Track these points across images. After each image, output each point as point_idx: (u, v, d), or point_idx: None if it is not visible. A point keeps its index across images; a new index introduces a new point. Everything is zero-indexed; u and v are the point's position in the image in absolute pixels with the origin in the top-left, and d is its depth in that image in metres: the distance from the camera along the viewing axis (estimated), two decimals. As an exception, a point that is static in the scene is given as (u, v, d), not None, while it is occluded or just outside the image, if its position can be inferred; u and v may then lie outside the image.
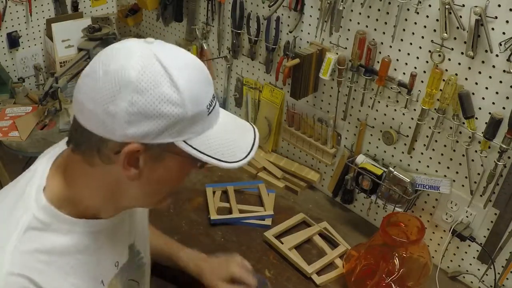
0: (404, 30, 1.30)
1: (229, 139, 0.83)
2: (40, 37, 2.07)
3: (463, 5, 1.15)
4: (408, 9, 1.27)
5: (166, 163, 0.80)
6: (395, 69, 1.36)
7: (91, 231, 0.86)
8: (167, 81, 0.74)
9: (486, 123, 1.20)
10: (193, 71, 0.78)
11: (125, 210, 0.93)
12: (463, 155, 1.29)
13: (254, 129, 0.90)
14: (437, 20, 1.21)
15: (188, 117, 0.76)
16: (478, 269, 1.37)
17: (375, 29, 1.36)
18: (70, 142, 0.83)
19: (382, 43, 1.36)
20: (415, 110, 1.35)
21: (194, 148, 0.78)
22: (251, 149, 0.85)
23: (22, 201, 0.81)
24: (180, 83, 0.74)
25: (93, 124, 0.76)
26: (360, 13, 1.38)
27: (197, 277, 1.26)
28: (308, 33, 1.54)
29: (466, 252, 1.38)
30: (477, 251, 1.35)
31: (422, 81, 1.30)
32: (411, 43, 1.30)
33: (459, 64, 1.22)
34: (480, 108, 1.21)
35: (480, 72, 1.18)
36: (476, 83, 1.20)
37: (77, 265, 0.84)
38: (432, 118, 1.31)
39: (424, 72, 1.29)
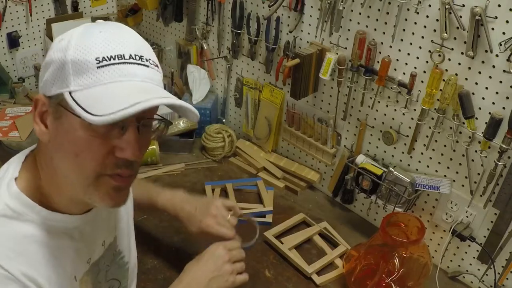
0: (404, 30, 1.30)
1: (114, 95, 0.73)
2: (40, 37, 2.07)
3: (463, 5, 1.15)
4: (408, 9, 1.27)
5: (63, 121, 0.77)
6: (395, 69, 1.36)
7: (64, 226, 0.85)
8: (70, 34, 0.78)
9: (486, 123, 1.20)
10: (105, 29, 0.78)
11: (98, 208, 0.90)
12: (463, 155, 1.29)
13: (181, 100, 0.80)
14: (437, 20, 1.21)
15: (68, 61, 0.75)
16: (478, 269, 1.37)
17: (375, 29, 1.36)
18: None
19: (382, 43, 1.36)
20: (415, 110, 1.35)
21: (75, 101, 0.73)
22: (136, 107, 0.71)
23: None
24: (75, 35, 0.77)
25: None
26: (360, 13, 1.38)
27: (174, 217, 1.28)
28: (308, 33, 1.54)
29: (466, 252, 1.38)
30: (477, 251, 1.35)
31: (422, 81, 1.30)
32: (411, 43, 1.30)
33: (459, 64, 1.21)
34: (480, 108, 1.21)
35: (480, 72, 1.18)
36: (476, 83, 1.20)
37: (50, 258, 0.82)
38: (432, 118, 1.31)
39: (424, 72, 1.29)
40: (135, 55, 0.78)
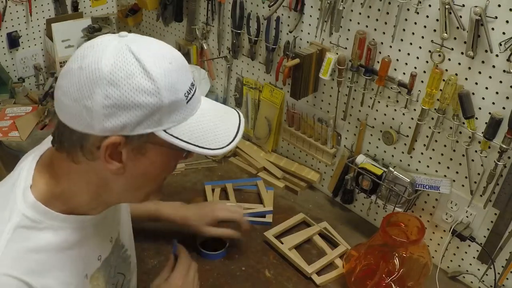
0: (404, 30, 1.30)
1: (212, 126, 0.83)
2: (40, 37, 2.07)
3: (463, 5, 1.15)
4: (408, 9, 1.27)
5: (149, 154, 0.80)
6: (395, 69, 1.36)
7: (81, 227, 0.87)
8: (140, 71, 0.74)
9: (486, 123, 1.20)
10: (168, 60, 0.78)
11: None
12: (463, 155, 1.29)
13: (239, 114, 0.90)
14: (437, 20, 1.21)
15: (165, 105, 0.76)
16: (478, 269, 1.37)
17: (375, 29, 1.36)
18: (54, 141, 0.83)
19: (382, 43, 1.36)
20: (415, 110, 1.35)
21: (176, 137, 0.78)
22: (236, 134, 0.85)
23: (10, 201, 0.81)
24: (153, 72, 0.75)
25: (73, 121, 0.77)
26: (360, 13, 1.38)
27: (182, 226, 1.35)
28: (308, 33, 1.54)
29: (466, 252, 1.38)
30: (477, 251, 1.35)
31: (422, 81, 1.30)
32: (411, 43, 1.30)
33: (459, 64, 1.21)
34: (480, 108, 1.21)
35: (480, 72, 1.18)
36: (476, 83, 1.20)
37: (67, 262, 0.84)
38: (432, 118, 1.31)
39: (424, 72, 1.29)
40: (193, 77, 0.84)
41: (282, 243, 1.45)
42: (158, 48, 0.79)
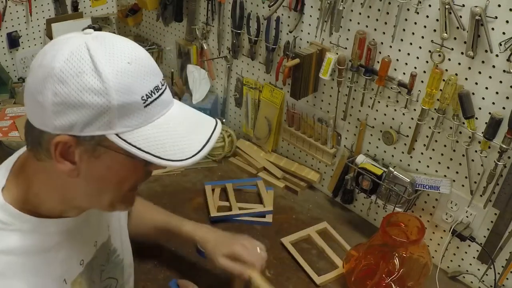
0: (404, 30, 1.30)
1: (174, 135, 0.77)
2: (40, 37, 2.07)
3: (463, 5, 1.15)
4: (408, 9, 1.27)
5: (103, 158, 0.76)
6: (395, 69, 1.36)
7: (55, 231, 0.85)
8: (91, 69, 0.71)
9: (486, 123, 1.20)
10: (127, 59, 0.74)
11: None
12: (463, 155, 1.29)
13: (216, 123, 0.83)
14: (437, 20, 1.21)
15: (114, 107, 0.72)
16: (478, 269, 1.37)
17: (375, 29, 1.36)
18: (25, 138, 0.82)
19: (382, 43, 1.36)
20: (415, 110, 1.35)
21: (129, 143, 0.73)
22: (204, 146, 0.78)
23: None
24: (104, 72, 0.71)
25: (31, 116, 0.76)
26: (360, 13, 1.38)
27: (199, 246, 1.25)
28: (308, 33, 1.54)
29: (466, 252, 1.38)
30: (477, 251, 1.35)
31: (422, 81, 1.30)
32: (411, 43, 1.30)
33: (459, 64, 1.21)
34: (480, 108, 1.21)
35: (480, 72, 1.18)
36: (476, 83, 1.20)
37: (40, 265, 0.82)
38: (432, 118, 1.31)
39: (424, 72, 1.29)
40: (161, 80, 0.79)
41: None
42: (119, 47, 0.75)
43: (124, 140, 0.74)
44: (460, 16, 1.16)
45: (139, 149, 0.74)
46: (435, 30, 1.23)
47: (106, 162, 0.76)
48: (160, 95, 0.77)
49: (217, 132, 0.82)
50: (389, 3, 1.30)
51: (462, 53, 1.20)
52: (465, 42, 1.18)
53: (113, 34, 0.77)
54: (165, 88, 0.79)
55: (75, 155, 0.75)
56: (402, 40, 1.31)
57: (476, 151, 1.26)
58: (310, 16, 1.51)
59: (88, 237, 0.95)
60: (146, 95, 0.75)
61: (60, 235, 0.86)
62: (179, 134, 0.77)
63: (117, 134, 0.73)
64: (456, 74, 1.22)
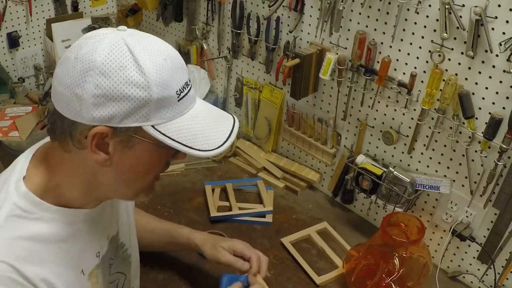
0: (404, 30, 1.30)
1: (203, 127, 0.82)
2: (40, 37, 2.07)
3: (463, 5, 1.15)
4: (408, 9, 1.27)
5: (136, 149, 0.80)
6: (395, 69, 1.36)
7: (74, 221, 0.87)
8: (132, 64, 0.75)
9: (486, 123, 1.20)
10: (163, 56, 0.79)
11: (106, 201, 0.94)
12: (463, 155, 1.29)
13: (234, 119, 0.89)
14: (437, 20, 1.21)
15: (154, 100, 0.76)
16: (478, 269, 1.37)
17: (375, 29, 1.36)
18: (48, 129, 0.84)
19: (382, 43, 1.36)
20: (415, 110, 1.35)
21: (164, 134, 0.78)
22: (228, 138, 0.84)
23: (2, 192, 0.83)
24: (146, 67, 0.75)
25: (64, 107, 0.78)
26: (360, 13, 1.38)
27: (198, 250, 1.25)
28: (308, 33, 1.54)
29: (466, 252, 1.38)
30: (477, 251, 1.35)
31: (422, 81, 1.30)
32: (411, 43, 1.30)
33: (459, 64, 1.21)
34: (480, 108, 1.21)
35: (480, 72, 1.18)
36: (476, 83, 1.20)
37: (59, 254, 0.85)
38: (432, 118, 1.31)
39: (424, 72, 1.29)
40: (188, 76, 0.84)
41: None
42: (154, 44, 0.80)
43: (159, 131, 0.78)
44: (460, 16, 1.16)
45: (172, 139, 0.78)
46: (435, 30, 1.23)
47: (138, 152, 0.80)
48: (189, 90, 0.83)
49: (237, 125, 0.87)
50: (389, 3, 1.30)
51: (462, 53, 1.20)
52: (465, 42, 1.18)
53: (141, 32, 0.82)
54: (191, 84, 0.84)
55: (110, 146, 0.79)
56: (402, 40, 1.31)
57: (476, 151, 1.26)
58: (310, 16, 1.51)
59: (103, 229, 0.97)
60: (180, 89, 0.80)
61: (78, 225, 0.88)
62: (206, 126, 0.83)
63: (153, 126, 0.78)
64: (456, 74, 1.22)
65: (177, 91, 0.79)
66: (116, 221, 1.04)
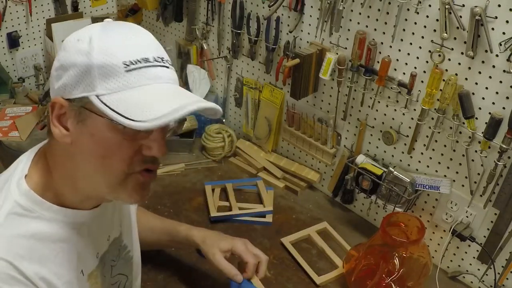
0: (404, 30, 1.30)
1: (150, 99, 0.75)
2: (40, 37, 2.07)
3: (463, 5, 1.15)
4: (408, 9, 1.27)
5: (88, 124, 0.78)
6: (395, 69, 1.36)
7: (74, 222, 0.87)
8: (87, 37, 0.78)
9: (486, 123, 1.20)
10: (122, 30, 0.80)
11: (106, 203, 0.93)
12: (463, 155, 1.29)
13: (206, 101, 0.80)
14: (437, 20, 1.21)
15: (94, 66, 0.75)
16: (478, 269, 1.37)
17: (375, 29, 1.36)
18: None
19: (382, 43, 1.36)
20: (415, 110, 1.35)
21: (107, 106, 0.74)
22: (174, 112, 0.73)
23: (4, 190, 0.83)
24: (94, 36, 0.77)
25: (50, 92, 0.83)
26: (360, 13, 1.38)
27: (198, 246, 1.23)
28: (308, 33, 1.54)
29: (466, 252, 1.38)
30: (477, 251, 1.35)
31: (422, 81, 1.30)
32: (411, 43, 1.30)
33: (459, 64, 1.22)
34: (480, 108, 1.21)
35: (480, 72, 1.18)
36: (476, 83, 1.20)
37: (60, 254, 0.84)
38: (432, 118, 1.31)
39: (424, 72, 1.29)
40: (158, 57, 0.81)
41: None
42: (123, 26, 0.82)
43: (103, 103, 0.75)
44: (460, 16, 1.16)
45: (111, 109, 0.74)
46: (435, 30, 1.23)
47: (90, 128, 0.78)
48: (148, 67, 0.78)
49: (206, 105, 0.78)
50: (389, 3, 1.30)
51: (462, 53, 1.20)
52: (465, 42, 1.18)
53: (126, 23, 0.84)
54: (162, 66, 0.80)
55: (68, 122, 0.79)
56: (402, 40, 1.31)
57: (476, 151, 1.26)
58: (310, 16, 1.51)
59: (103, 230, 0.97)
60: (130, 61, 0.77)
61: (79, 226, 0.88)
62: (155, 99, 0.76)
63: (97, 96, 0.76)
64: (456, 74, 1.22)
65: (125, 62, 0.76)
66: (119, 223, 1.03)
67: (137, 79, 0.77)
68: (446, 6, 1.16)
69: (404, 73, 1.34)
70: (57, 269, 0.84)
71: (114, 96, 0.75)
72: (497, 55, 1.14)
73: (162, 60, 0.81)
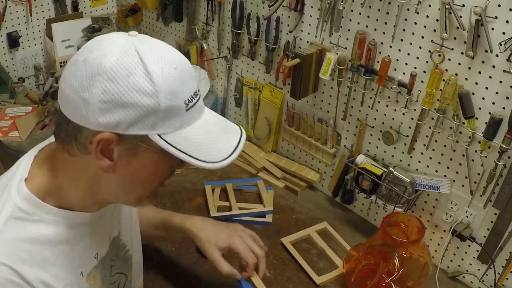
0: (404, 30, 1.30)
1: (210, 138, 0.82)
2: (40, 37, 2.07)
3: (463, 5, 1.15)
4: (408, 9, 1.27)
5: (141, 157, 0.79)
6: (395, 69, 1.36)
7: (75, 224, 0.87)
8: (141, 71, 0.74)
9: (486, 123, 1.20)
10: (173, 65, 0.78)
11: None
12: (463, 155, 1.29)
13: (241, 131, 0.88)
14: (437, 20, 1.21)
15: (162, 109, 0.75)
16: (478, 269, 1.37)
17: (375, 29, 1.36)
18: (54, 131, 0.84)
19: (382, 43, 1.36)
20: (415, 110, 1.35)
21: (170, 144, 0.77)
22: (234, 150, 0.83)
23: (4, 193, 0.82)
24: (155, 74, 0.75)
25: (70, 111, 0.77)
26: (360, 13, 1.38)
27: (192, 238, 1.19)
28: (308, 33, 1.54)
29: (466, 252, 1.38)
30: (477, 251, 1.35)
31: (422, 81, 1.30)
32: (411, 43, 1.30)
33: (459, 64, 1.22)
34: (480, 108, 1.21)
35: (480, 72, 1.18)
36: (476, 83, 1.20)
37: (60, 256, 0.84)
38: (432, 118, 1.31)
39: (424, 72, 1.29)
40: (198, 85, 0.83)
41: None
42: (165, 51, 0.79)
43: (165, 141, 0.77)
44: (460, 16, 1.16)
45: (178, 149, 0.78)
46: (435, 30, 1.23)
47: (143, 160, 0.80)
48: (198, 100, 0.82)
49: (244, 137, 0.87)
50: (389, 3, 1.30)
51: (462, 53, 1.20)
52: (465, 42, 1.18)
53: (155, 39, 0.81)
54: (200, 94, 0.83)
55: (115, 152, 0.78)
56: (402, 40, 1.31)
57: (476, 151, 1.26)
58: (310, 16, 1.51)
59: (104, 231, 0.97)
60: (188, 99, 0.79)
61: (79, 228, 0.88)
62: (214, 137, 0.82)
63: (159, 135, 0.77)
64: (456, 74, 1.22)
65: (185, 101, 0.78)
66: (118, 221, 1.03)
67: (193, 115, 0.80)
68: (446, 6, 1.16)
69: (404, 73, 1.34)
70: (58, 272, 0.84)
71: (176, 135, 0.78)
72: (497, 55, 1.14)
73: (198, 86, 0.83)
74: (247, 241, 1.19)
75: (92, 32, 1.94)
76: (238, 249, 1.17)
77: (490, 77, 1.17)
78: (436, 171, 1.38)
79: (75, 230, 0.87)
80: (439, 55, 1.23)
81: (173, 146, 0.77)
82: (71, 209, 0.86)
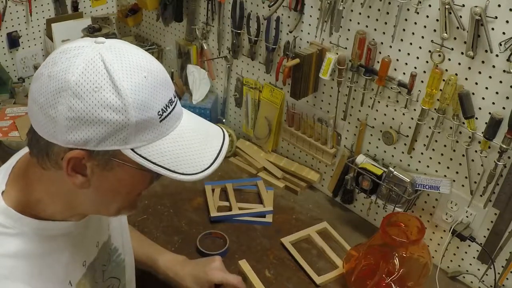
0: (404, 30, 1.30)
1: (188, 149, 0.77)
2: (40, 37, 2.07)
3: (463, 5, 1.15)
4: (408, 9, 1.27)
5: (116, 171, 0.75)
6: (395, 69, 1.36)
7: (57, 234, 0.84)
8: (108, 84, 0.69)
9: (486, 123, 1.20)
10: (143, 73, 0.72)
11: None
12: (463, 155, 1.29)
13: (224, 134, 0.84)
14: (437, 20, 1.21)
15: (132, 124, 0.71)
16: (478, 269, 1.37)
17: (375, 29, 1.36)
18: (28, 145, 0.79)
19: (382, 43, 1.36)
20: (415, 110, 1.35)
21: (144, 158, 0.73)
22: (214, 161, 0.78)
23: None
24: (123, 87, 0.70)
25: (39, 128, 0.74)
26: (360, 13, 1.38)
27: (178, 285, 1.22)
28: (308, 33, 1.54)
29: (466, 252, 1.38)
30: (477, 251, 1.35)
31: (422, 81, 1.30)
32: (411, 43, 1.30)
33: (459, 64, 1.22)
34: (480, 108, 1.21)
35: (480, 72, 1.18)
36: (476, 83, 1.20)
37: (45, 268, 0.82)
38: (432, 118, 1.31)
39: (424, 72, 1.29)
40: (174, 92, 0.79)
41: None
42: (135, 59, 0.73)
43: (139, 155, 0.73)
44: (460, 16, 1.16)
45: (153, 163, 0.74)
46: (435, 30, 1.23)
47: (118, 174, 0.76)
48: (174, 108, 0.77)
49: (226, 145, 0.82)
50: (389, 3, 1.30)
51: (462, 53, 1.20)
52: (465, 42, 1.18)
53: (125, 44, 0.75)
54: (177, 100, 0.79)
55: (87, 169, 0.75)
56: (402, 40, 1.31)
57: (476, 151, 1.26)
58: (310, 16, 1.51)
59: (90, 238, 0.95)
60: (162, 109, 0.74)
61: (63, 237, 0.85)
62: (191, 148, 0.78)
63: (132, 149, 0.73)
64: (456, 74, 1.22)
65: (159, 112, 0.73)
66: (107, 226, 1.01)
67: (168, 125, 0.76)
68: (446, 6, 1.16)
69: (404, 73, 1.34)
70: (44, 284, 0.81)
71: (150, 147, 0.74)
72: (497, 55, 1.14)
73: (174, 92, 0.79)
74: (222, 267, 1.23)
75: (92, 32, 1.94)
76: (216, 280, 1.19)
77: (490, 77, 1.17)
78: (436, 171, 1.38)
79: (58, 240, 0.84)
80: (439, 55, 1.23)
81: (148, 160, 0.74)
82: (52, 220, 0.83)
